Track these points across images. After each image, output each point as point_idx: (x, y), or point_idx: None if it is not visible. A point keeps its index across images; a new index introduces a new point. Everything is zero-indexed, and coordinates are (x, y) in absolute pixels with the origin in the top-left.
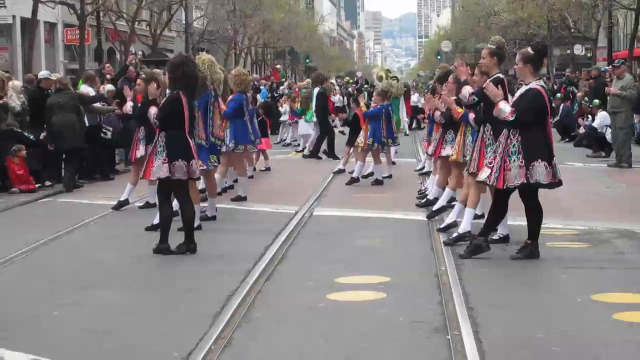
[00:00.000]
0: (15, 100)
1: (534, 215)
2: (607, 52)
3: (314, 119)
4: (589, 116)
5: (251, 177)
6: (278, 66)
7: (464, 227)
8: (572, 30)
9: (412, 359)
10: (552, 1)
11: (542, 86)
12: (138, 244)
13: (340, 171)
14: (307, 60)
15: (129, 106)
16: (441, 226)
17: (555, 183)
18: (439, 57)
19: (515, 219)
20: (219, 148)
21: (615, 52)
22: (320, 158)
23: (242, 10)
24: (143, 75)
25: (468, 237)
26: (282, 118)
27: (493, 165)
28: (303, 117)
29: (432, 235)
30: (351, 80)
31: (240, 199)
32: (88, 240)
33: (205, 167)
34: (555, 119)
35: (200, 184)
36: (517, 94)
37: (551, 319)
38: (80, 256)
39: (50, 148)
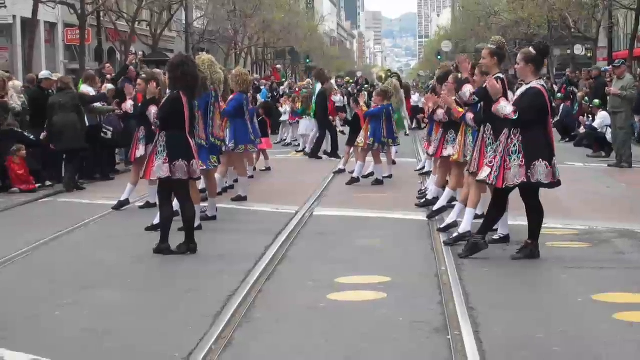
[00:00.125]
0: (16, 101)
1: (535, 215)
2: (608, 52)
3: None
4: (589, 116)
5: (251, 177)
6: (278, 66)
7: (464, 227)
8: (573, 30)
9: (412, 359)
10: (552, 1)
11: (542, 85)
12: (138, 244)
13: (341, 171)
14: (308, 60)
15: (129, 104)
16: (441, 226)
17: (555, 183)
18: (439, 57)
19: (516, 219)
20: (219, 148)
21: (616, 52)
22: (321, 158)
23: (242, 10)
24: (143, 75)
25: (468, 237)
26: (283, 118)
27: (493, 165)
28: (305, 116)
29: (433, 235)
30: (351, 80)
31: (240, 198)
32: (88, 240)
33: (205, 168)
34: (556, 119)
35: (201, 184)
36: (518, 93)
37: (551, 319)
38: (80, 256)
39: (52, 147)
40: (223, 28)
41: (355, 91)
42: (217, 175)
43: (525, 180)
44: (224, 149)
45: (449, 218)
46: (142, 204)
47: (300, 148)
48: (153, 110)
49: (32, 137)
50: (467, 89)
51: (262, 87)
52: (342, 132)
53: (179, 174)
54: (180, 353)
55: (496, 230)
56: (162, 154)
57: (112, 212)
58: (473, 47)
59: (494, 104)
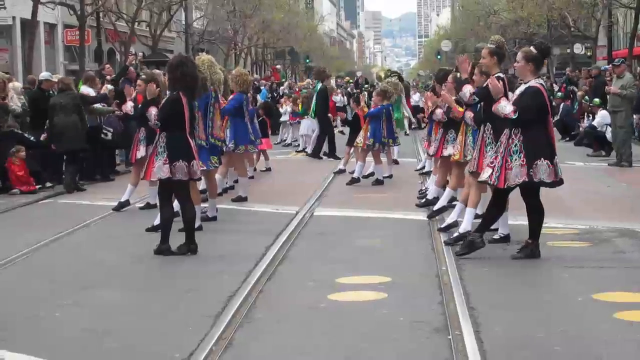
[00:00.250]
0: (16, 102)
1: (535, 214)
2: (607, 51)
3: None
4: (590, 115)
5: (252, 177)
6: (278, 66)
7: (464, 226)
8: (572, 29)
9: (413, 359)
10: (551, 0)
11: (541, 84)
12: (139, 244)
13: (341, 171)
14: (307, 60)
15: (129, 105)
16: (442, 226)
17: (557, 182)
18: (439, 57)
19: (516, 219)
20: (219, 149)
21: (615, 51)
22: (321, 158)
23: (241, 11)
24: (143, 76)
25: (468, 236)
26: (283, 118)
27: (495, 165)
28: (306, 116)
29: (433, 235)
30: (351, 80)
31: (240, 199)
32: (89, 241)
33: (205, 168)
34: (556, 118)
35: (201, 185)
36: (517, 92)
37: (552, 318)
38: (80, 257)
39: (53, 148)
40: (222, 28)
41: (355, 91)
42: (217, 176)
43: (527, 180)
44: (224, 149)
45: (450, 218)
46: (142, 204)
47: (300, 148)
48: (153, 111)
49: (32, 138)
50: (467, 89)
51: (262, 88)
52: (342, 132)
53: (179, 174)
54: (181, 354)
55: (496, 229)
56: (162, 155)
57: (113, 213)
58: (473, 47)
59: (494, 103)
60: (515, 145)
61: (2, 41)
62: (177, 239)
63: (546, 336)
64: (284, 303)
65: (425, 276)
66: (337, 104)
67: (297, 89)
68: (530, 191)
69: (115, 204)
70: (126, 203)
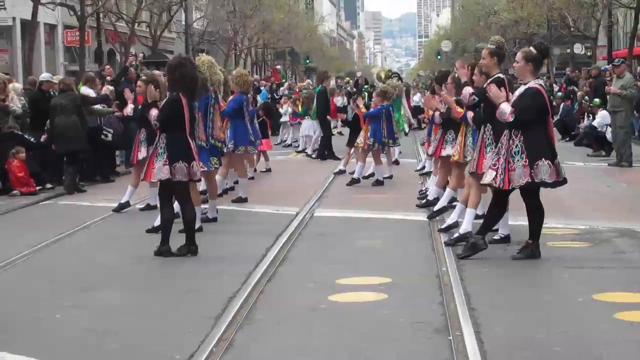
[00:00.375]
0: (16, 103)
1: (536, 215)
2: (607, 51)
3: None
4: (590, 115)
5: (252, 178)
6: (278, 67)
7: (465, 227)
8: (572, 29)
9: (413, 359)
10: (551, 0)
11: (540, 85)
12: (139, 246)
13: (341, 172)
14: (307, 61)
15: (129, 109)
16: (442, 227)
17: (560, 181)
18: (439, 57)
19: (516, 219)
20: (219, 150)
21: (615, 51)
22: (326, 158)
23: (241, 11)
24: (143, 77)
25: (469, 237)
26: (283, 119)
27: (498, 167)
28: (307, 117)
29: (433, 235)
30: (350, 81)
31: (241, 200)
32: (89, 243)
33: (205, 169)
34: (556, 118)
35: (201, 186)
36: (516, 93)
37: (552, 319)
38: (81, 258)
39: (54, 149)
40: (223, 29)
41: (355, 91)
42: (217, 177)
43: (530, 180)
44: (224, 150)
45: (450, 218)
46: (142, 206)
47: (300, 148)
48: (154, 112)
49: (32, 139)
50: (467, 91)
51: (262, 88)
52: (340, 133)
53: (179, 175)
54: (181, 355)
55: (497, 230)
56: (162, 156)
57: (113, 214)
58: (473, 47)
59: (496, 109)
60: (516, 146)
61: (2, 42)
62: (177, 240)
63: (546, 336)
64: (284, 304)
65: (425, 277)
66: (337, 105)
67: (297, 90)
68: (531, 192)
69: (116, 205)
70: (126, 204)
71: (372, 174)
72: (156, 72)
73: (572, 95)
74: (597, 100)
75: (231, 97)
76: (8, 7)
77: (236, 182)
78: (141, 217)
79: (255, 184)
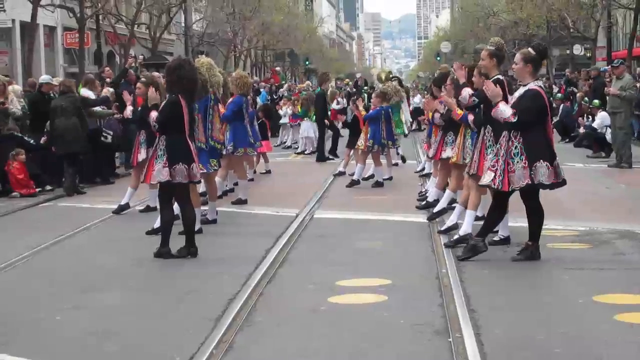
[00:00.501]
0: (16, 105)
1: (535, 216)
2: (607, 52)
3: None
4: (589, 116)
5: (251, 180)
6: (277, 68)
7: (464, 229)
8: (571, 30)
9: None
10: (551, 1)
11: (540, 86)
12: (139, 247)
13: (341, 173)
14: (307, 63)
15: (128, 111)
16: (442, 228)
17: (559, 183)
18: (438, 58)
19: (516, 220)
20: (219, 151)
21: (615, 52)
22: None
23: (241, 13)
24: (143, 79)
25: (469, 239)
26: (282, 120)
27: (497, 169)
28: (306, 118)
29: (433, 237)
30: (350, 82)
31: (240, 202)
32: (89, 244)
33: (205, 171)
34: (556, 120)
35: (201, 187)
36: (516, 95)
37: (552, 320)
38: (81, 260)
39: (54, 150)
40: (222, 30)
41: (355, 92)
42: (217, 179)
43: (530, 182)
44: (224, 152)
45: (450, 220)
46: (142, 207)
47: (300, 150)
48: (153, 115)
49: (32, 141)
50: (466, 92)
51: (261, 90)
52: (340, 135)
53: (179, 177)
54: (181, 356)
55: (497, 232)
56: (161, 158)
57: (113, 216)
58: (472, 48)
59: (493, 107)
60: (515, 148)
61: (2, 44)
62: (177, 242)
63: (547, 338)
64: (284, 306)
65: (425, 278)
66: (335, 108)
67: (296, 91)
68: (530, 193)
69: (115, 207)
70: (126, 206)
71: (372, 176)
72: (155, 74)
73: (571, 97)
74: (596, 101)
75: (230, 100)
76: (7, 9)
77: (236, 184)
78: (141, 219)
79: (255, 185)
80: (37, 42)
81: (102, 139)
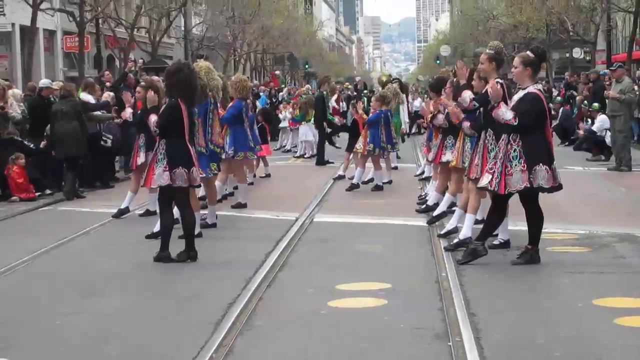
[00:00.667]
0: (16, 109)
1: (535, 220)
2: (606, 55)
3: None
4: (589, 120)
5: (251, 183)
6: (277, 72)
7: (464, 232)
8: (571, 33)
9: None
10: (550, 5)
11: (539, 90)
12: (139, 251)
13: (340, 177)
14: (307, 66)
15: (128, 112)
16: (442, 232)
17: (556, 187)
18: (438, 62)
19: (516, 224)
20: (218, 156)
21: (615, 55)
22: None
23: (241, 16)
24: (142, 83)
25: (469, 242)
26: (282, 124)
27: (494, 171)
28: (303, 122)
29: (433, 241)
30: (350, 86)
31: (240, 206)
32: (89, 248)
33: (205, 175)
34: (555, 123)
35: (201, 191)
36: (515, 98)
37: (552, 324)
38: (81, 264)
39: (53, 154)
40: (222, 34)
41: (355, 95)
42: (217, 183)
43: (528, 186)
44: (223, 156)
45: (449, 224)
46: (142, 212)
47: (299, 153)
48: (153, 119)
49: (32, 145)
50: (467, 95)
51: (261, 94)
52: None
53: (179, 181)
54: None
55: (496, 235)
56: (162, 162)
57: (112, 220)
58: (472, 51)
59: (494, 108)
60: (514, 151)
61: (2, 48)
62: (176, 246)
63: (546, 342)
64: (284, 310)
65: (425, 282)
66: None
67: (294, 95)
68: (530, 197)
69: (115, 211)
70: (126, 210)
71: (372, 179)
72: (155, 77)
73: (571, 100)
74: (596, 104)
75: (230, 104)
76: (7, 13)
77: (235, 188)
78: (141, 223)
79: (255, 189)
80: (37, 46)
81: (102, 143)
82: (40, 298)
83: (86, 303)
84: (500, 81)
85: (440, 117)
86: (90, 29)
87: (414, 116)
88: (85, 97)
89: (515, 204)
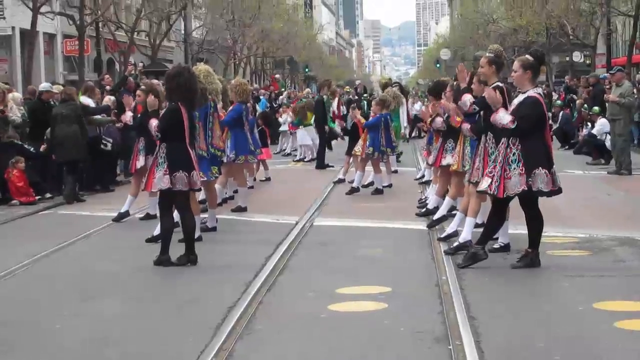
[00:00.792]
0: (16, 113)
1: (535, 223)
2: (606, 59)
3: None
4: (589, 123)
5: (251, 187)
6: (277, 76)
7: (464, 236)
8: (571, 37)
9: None
10: (550, 8)
11: (539, 94)
12: (139, 255)
13: (340, 181)
14: (307, 70)
15: (128, 115)
16: (442, 235)
17: (555, 191)
18: (437, 65)
19: (516, 228)
20: (219, 159)
21: (614, 59)
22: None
23: (241, 20)
24: (142, 87)
25: (469, 246)
26: (282, 128)
27: (493, 175)
28: (301, 126)
29: (433, 244)
30: (351, 89)
31: (240, 209)
32: (89, 252)
33: (206, 179)
34: (555, 127)
35: (201, 195)
36: (515, 102)
37: (552, 327)
38: (81, 268)
39: (53, 158)
40: (222, 38)
41: (356, 99)
42: (217, 186)
43: (527, 189)
44: (224, 159)
45: (450, 227)
46: (142, 215)
47: (299, 157)
48: (154, 123)
49: (32, 149)
50: (467, 98)
51: (261, 97)
52: (342, 138)
53: (179, 185)
54: None
55: (497, 239)
56: (162, 166)
57: (112, 224)
58: (472, 55)
59: (493, 113)
60: (513, 155)
61: (2, 51)
62: (177, 250)
63: (546, 345)
64: (284, 314)
65: (425, 286)
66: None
67: (294, 98)
68: (529, 200)
69: (115, 214)
70: (126, 214)
71: (372, 183)
72: (155, 81)
73: (571, 104)
74: (596, 108)
75: (230, 108)
76: (7, 16)
77: (236, 192)
78: (141, 227)
79: (255, 193)
80: (37, 49)
81: (102, 146)
82: (40, 301)
83: (86, 306)
84: (500, 85)
85: (439, 120)
86: (90, 33)
87: (414, 120)
88: (85, 100)
89: (515, 208)
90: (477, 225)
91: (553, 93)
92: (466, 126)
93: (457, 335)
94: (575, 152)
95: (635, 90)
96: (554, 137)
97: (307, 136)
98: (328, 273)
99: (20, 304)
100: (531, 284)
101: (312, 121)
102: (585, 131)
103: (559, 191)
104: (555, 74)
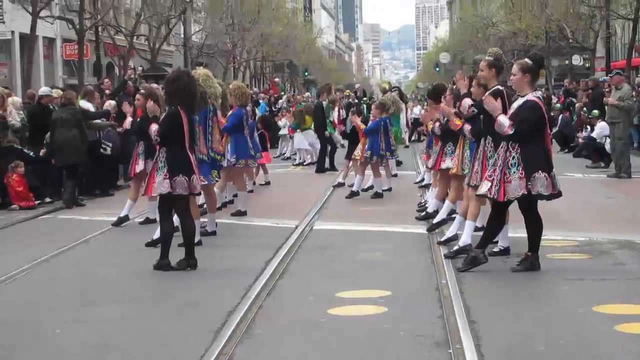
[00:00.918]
0: (15, 117)
1: (534, 226)
2: (606, 62)
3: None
4: (588, 127)
5: (251, 191)
6: (277, 79)
7: (464, 239)
8: (570, 40)
9: None
10: (549, 12)
11: (538, 97)
12: (138, 259)
13: (340, 185)
14: (306, 74)
15: (128, 122)
16: (442, 239)
17: (555, 194)
18: (437, 69)
19: (516, 231)
20: (219, 164)
21: (614, 62)
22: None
23: (240, 24)
24: (142, 91)
25: (469, 249)
26: (282, 132)
27: (493, 179)
28: (298, 130)
29: (433, 248)
30: (351, 93)
31: (240, 213)
32: (89, 257)
33: (206, 182)
34: (555, 130)
35: (200, 199)
36: (514, 105)
37: (552, 330)
38: (81, 272)
39: (53, 162)
40: (221, 42)
41: (356, 102)
42: (216, 190)
43: (526, 193)
44: (224, 163)
45: (449, 231)
46: (141, 220)
47: (298, 161)
48: (154, 128)
49: (31, 153)
50: (466, 102)
51: (260, 101)
52: (342, 146)
53: (179, 189)
54: None
55: (496, 242)
56: (162, 170)
57: (112, 229)
58: (471, 59)
59: (494, 121)
60: (513, 158)
61: (1, 56)
62: (176, 254)
63: (547, 349)
64: (284, 318)
65: (425, 289)
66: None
67: (293, 102)
68: (529, 204)
69: (115, 219)
70: (125, 218)
71: (371, 187)
72: (154, 85)
73: (570, 107)
74: (595, 111)
75: (230, 112)
76: (7, 20)
77: (235, 196)
78: (140, 231)
79: (255, 197)
80: (37, 53)
81: (102, 150)
82: (40, 306)
83: (86, 311)
84: (500, 88)
85: (437, 125)
86: (89, 37)
87: (414, 123)
88: (85, 104)
89: (515, 211)
90: (476, 229)
91: (552, 96)
92: (467, 127)
93: (457, 339)
94: (575, 155)
95: (634, 94)
96: (553, 140)
97: (304, 140)
98: (328, 277)
99: (20, 309)
100: (531, 287)
101: (310, 126)
102: (584, 134)
103: (558, 195)
104: (555, 78)
